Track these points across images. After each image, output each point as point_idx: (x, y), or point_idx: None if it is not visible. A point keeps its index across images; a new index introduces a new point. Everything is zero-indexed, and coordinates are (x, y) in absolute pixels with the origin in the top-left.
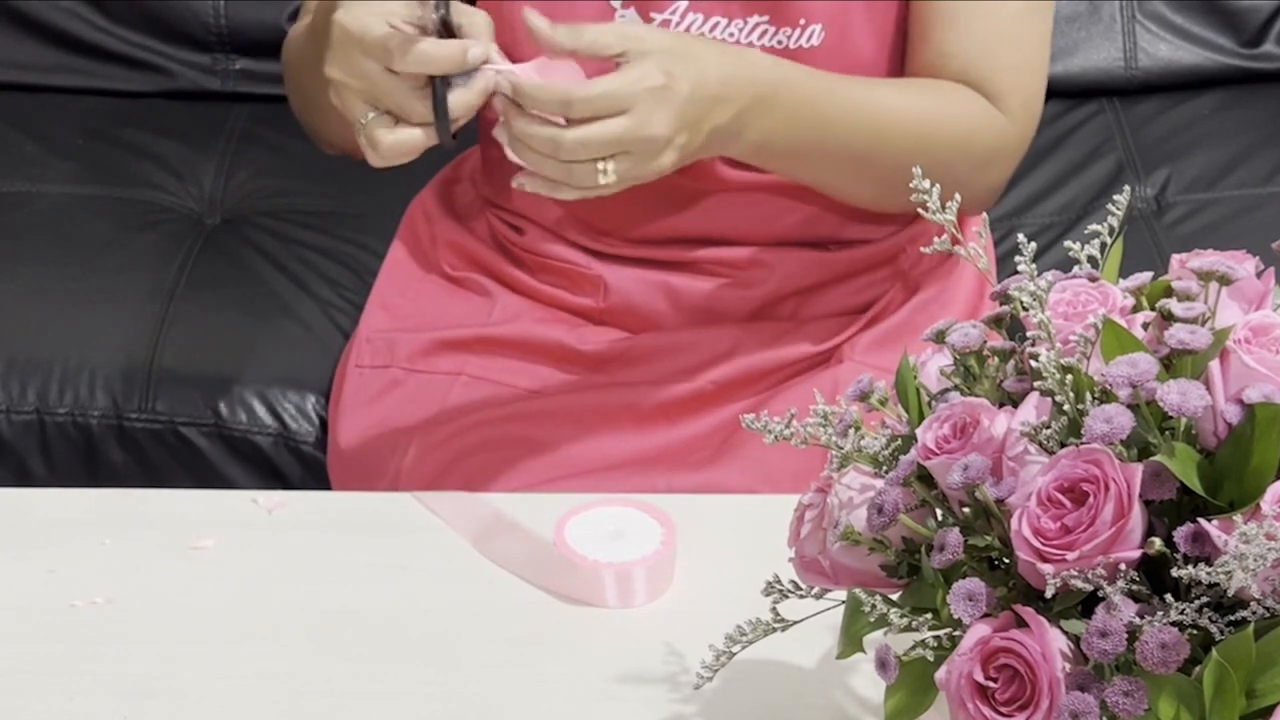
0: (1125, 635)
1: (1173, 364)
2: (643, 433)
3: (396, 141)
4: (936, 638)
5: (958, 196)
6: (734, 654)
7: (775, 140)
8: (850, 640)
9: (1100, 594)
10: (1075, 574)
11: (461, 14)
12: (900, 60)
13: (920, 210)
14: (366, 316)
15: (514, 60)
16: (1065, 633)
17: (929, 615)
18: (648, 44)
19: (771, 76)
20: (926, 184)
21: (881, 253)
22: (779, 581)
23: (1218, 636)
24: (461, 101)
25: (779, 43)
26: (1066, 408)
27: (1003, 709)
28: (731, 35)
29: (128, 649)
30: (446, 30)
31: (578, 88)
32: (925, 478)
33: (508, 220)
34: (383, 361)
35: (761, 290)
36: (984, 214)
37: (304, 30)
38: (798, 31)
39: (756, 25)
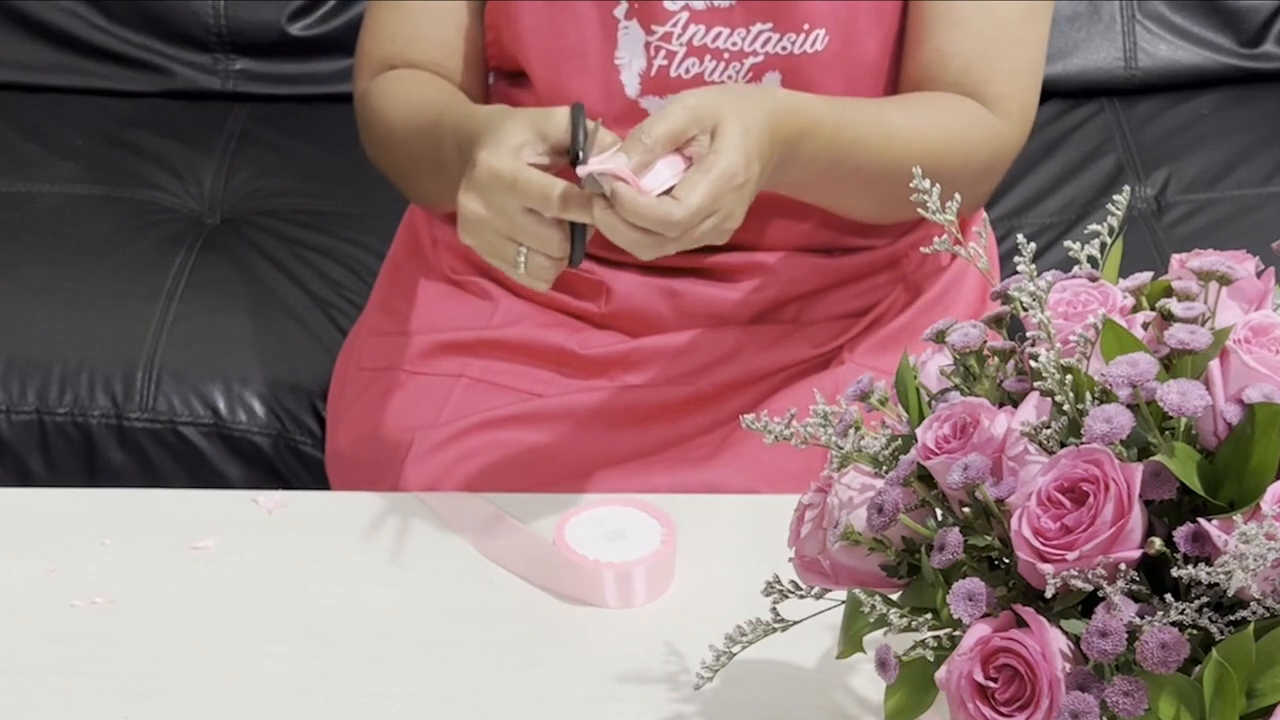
0: (1125, 635)
1: (1173, 364)
2: (643, 433)
3: (540, 269)
4: (936, 638)
5: (957, 197)
6: (734, 654)
7: (788, 178)
8: (850, 640)
9: (1100, 594)
10: (1075, 574)
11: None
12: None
13: (920, 210)
14: (366, 317)
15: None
16: (1065, 633)
17: (929, 615)
18: (714, 113)
19: (799, 126)
20: (926, 184)
21: (884, 258)
22: (779, 581)
23: (1218, 636)
24: (591, 236)
25: (784, 48)
26: (1066, 408)
27: (1003, 709)
28: (735, 44)
29: (128, 649)
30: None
31: (675, 209)
32: (925, 478)
33: None
34: (384, 363)
35: (764, 295)
36: (984, 214)
37: (414, 123)
38: (802, 37)
39: (760, 33)
